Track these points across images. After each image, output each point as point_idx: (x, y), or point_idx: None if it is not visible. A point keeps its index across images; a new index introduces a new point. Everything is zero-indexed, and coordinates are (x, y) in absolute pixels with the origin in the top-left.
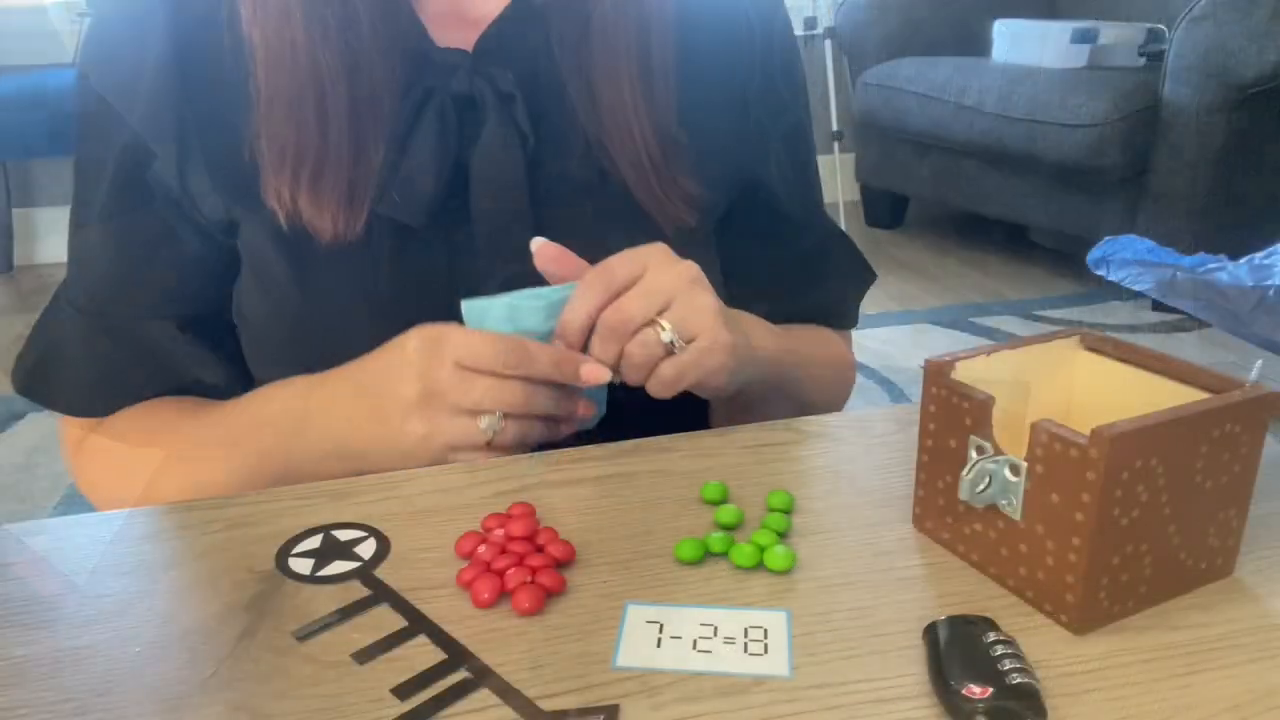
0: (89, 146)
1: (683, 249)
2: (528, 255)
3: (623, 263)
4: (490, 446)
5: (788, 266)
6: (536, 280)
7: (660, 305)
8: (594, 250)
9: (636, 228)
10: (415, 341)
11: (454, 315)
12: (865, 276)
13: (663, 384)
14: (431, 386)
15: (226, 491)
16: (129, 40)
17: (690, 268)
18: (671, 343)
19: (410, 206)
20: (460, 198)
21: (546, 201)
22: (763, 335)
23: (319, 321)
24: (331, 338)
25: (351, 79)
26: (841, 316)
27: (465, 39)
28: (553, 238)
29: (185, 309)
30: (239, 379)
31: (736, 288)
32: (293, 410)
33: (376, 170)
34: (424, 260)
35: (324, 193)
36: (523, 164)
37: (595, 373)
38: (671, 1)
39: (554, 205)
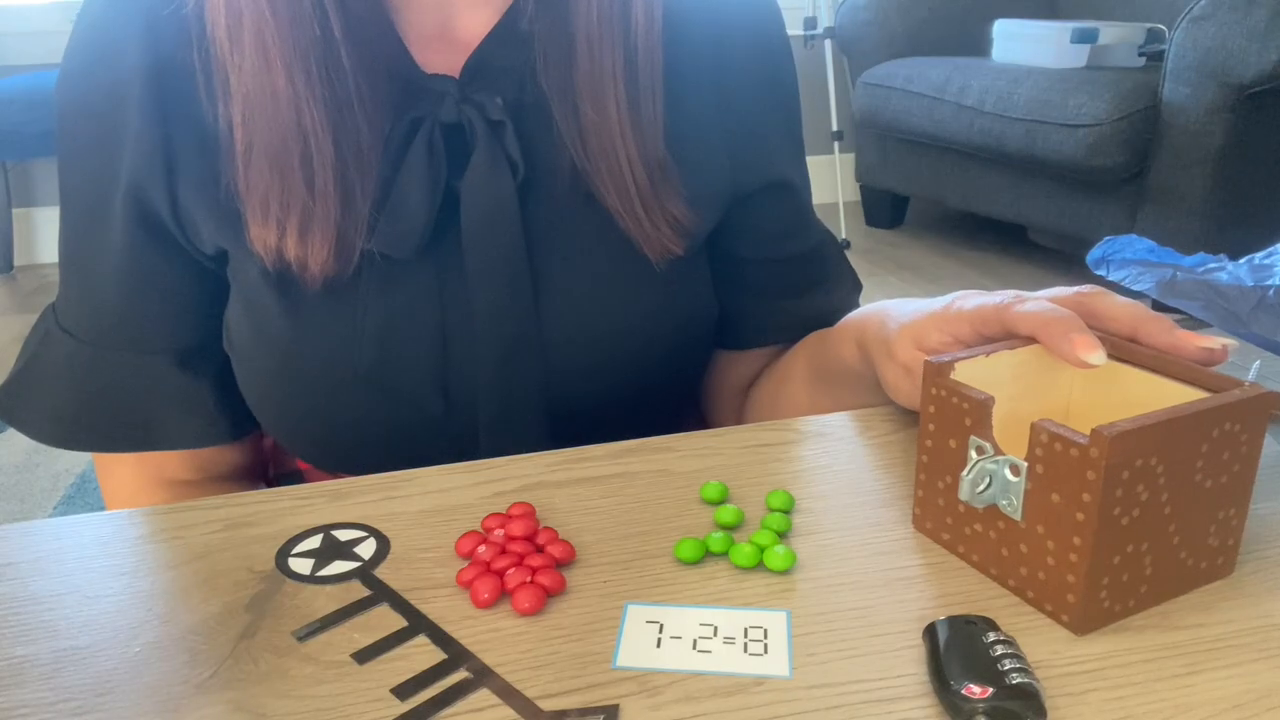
0: (74, 176)
1: (668, 274)
2: (519, 285)
3: None
4: None
5: (797, 264)
6: (525, 314)
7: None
8: (584, 278)
9: (626, 253)
10: None
11: (445, 346)
12: (858, 283)
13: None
14: None
15: None
16: (107, 67)
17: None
18: None
19: (399, 240)
20: (450, 227)
21: (537, 228)
22: None
23: (308, 354)
24: (321, 369)
25: (337, 128)
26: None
27: (451, 63)
28: (543, 264)
29: (184, 341)
30: (223, 419)
31: (742, 293)
32: None
33: (366, 215)
34: (414, 291)
35: (312, 243)
36: (513, 192)
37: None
38: (659, 20)
39: (545, 232)
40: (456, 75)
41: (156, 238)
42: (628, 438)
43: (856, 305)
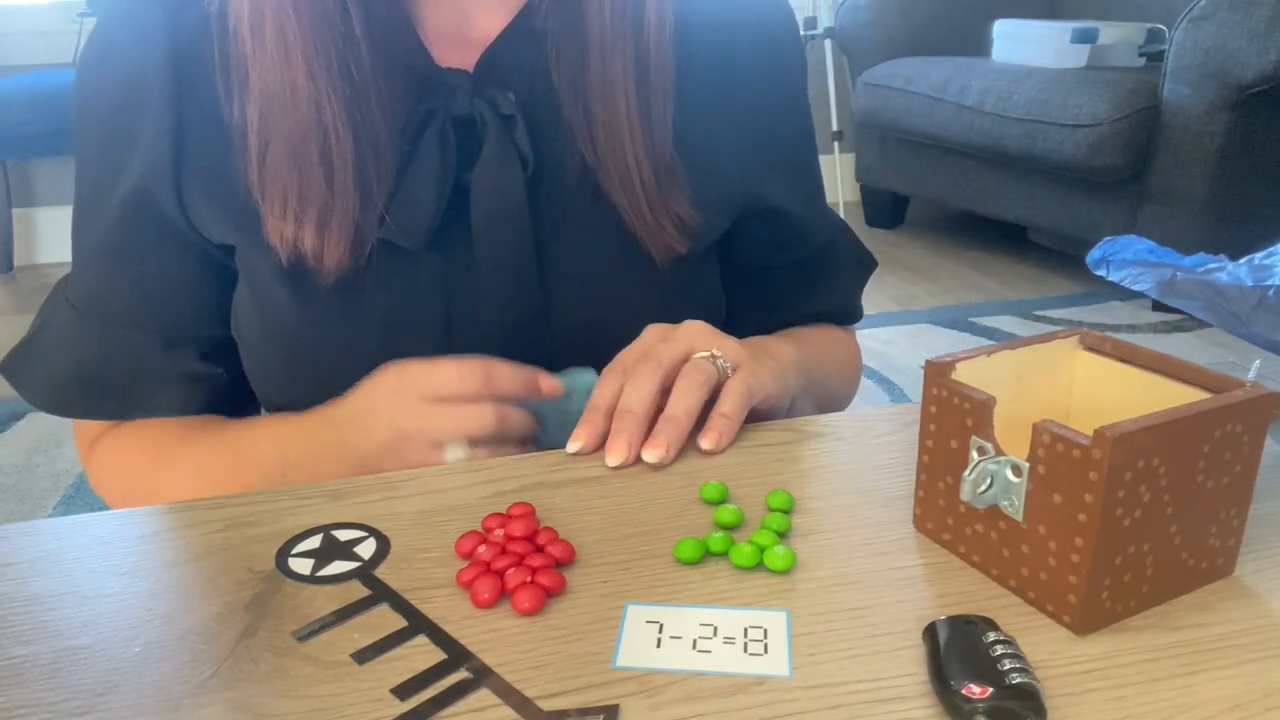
0: (87, 154)
1: (675, 272)
2: (527, 277)
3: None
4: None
5: (794, 271)
6: (532, 307)
7: (687, 348)
8: (592, 272)
9: (634, 249)
10: (382, 385)
11: (449, 336)
12: (867, 264)
13: (735, 404)
14: (400, 426)
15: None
16: (126, 56)
17: (701, 325)
18: (716, 359)
19: (410, 230)
20: (460, 219)
21: (545, 222)
22: (782, 348)
23: (315, 344)
24: (328, 359)
25: (356, 124)
26: (847, 313)
27: (466, 59)
28: (551, 261)
29: (171, 323)
30: (206, 403)
31: (744, 296)
32: (273, 458)
33: (381, 208)
34: (422, 282)
35: (329, 237)
36: (523, 186)
37: (550, 386)
38: (671, 21)
39: (553, 226)
40: (470, 70)
41: (152, 224)
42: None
43: (858, 291)
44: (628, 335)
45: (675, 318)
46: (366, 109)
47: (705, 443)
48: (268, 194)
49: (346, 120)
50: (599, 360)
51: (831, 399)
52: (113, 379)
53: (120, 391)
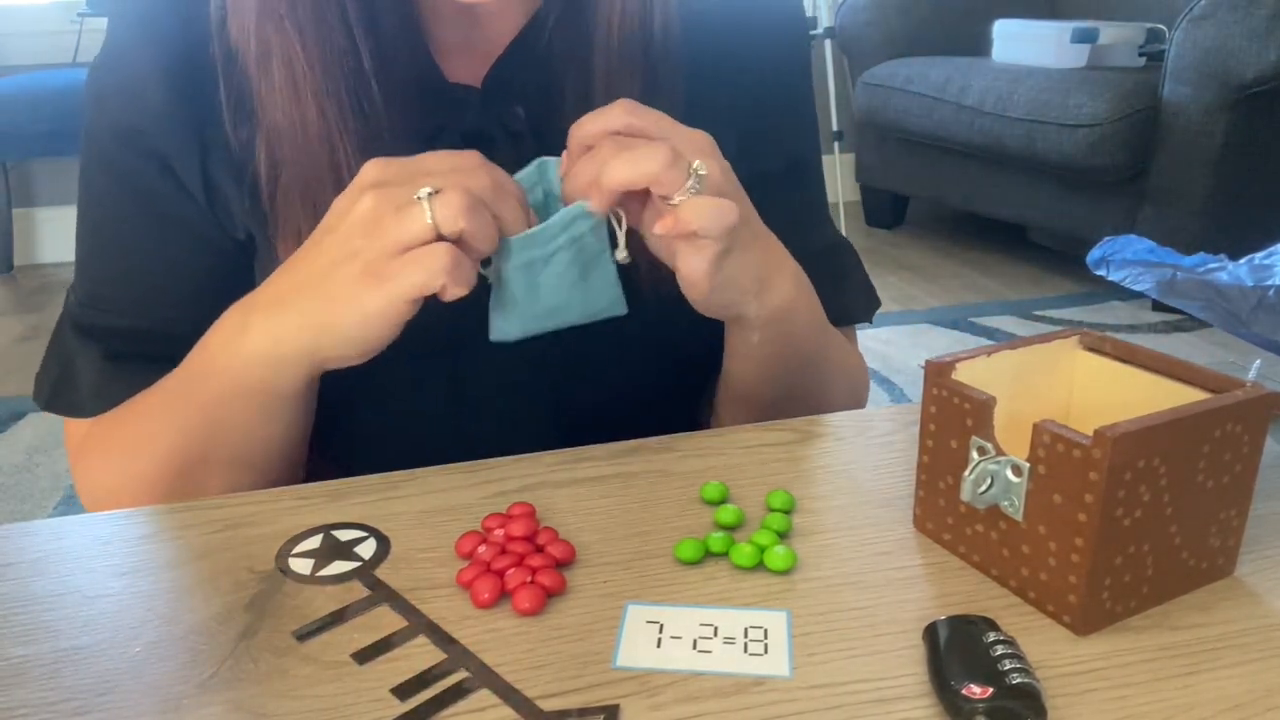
0: (98, 160)
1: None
2: None
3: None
4: (440, 232)
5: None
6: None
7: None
8: None
9: (639, 269)
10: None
11: (459, 354)
12: (873, 296)
13: (684, 221)
14: (378, 181)
15: (213, 425)
16: (137, 61)
17: (705, 135)
18: (694, 173)
19: None
20: None
21: None
22: (781, 252)
23: None
24: (336, 370)
25: (368, 156)
26: (850, 318)
27: (474, 73)
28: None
29: (190, 314)
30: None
31: None
32: (237, 313)
33: None
34: (430, 300)
35: None
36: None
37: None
38: (679, 43)
39: None
40: (479, 85)
41: (169, 219)
42: (625, 422)
43: (867, 310)
44: (633, 341)
45: (683, 332)
46: (379, 142)
47: (660, 227)
48: (281, 227)
49: (359, 155)
50: (603, 359)
51: (820, 388)
52: (139, 363)
53: (150, 373)
